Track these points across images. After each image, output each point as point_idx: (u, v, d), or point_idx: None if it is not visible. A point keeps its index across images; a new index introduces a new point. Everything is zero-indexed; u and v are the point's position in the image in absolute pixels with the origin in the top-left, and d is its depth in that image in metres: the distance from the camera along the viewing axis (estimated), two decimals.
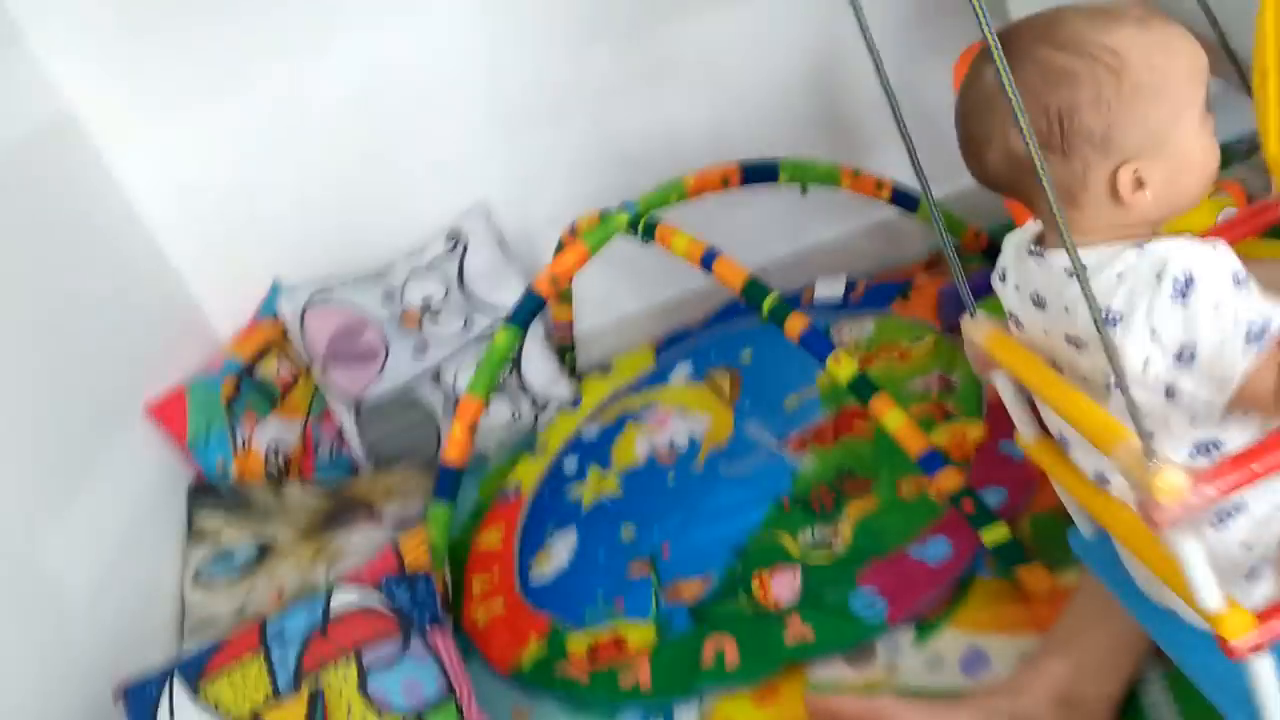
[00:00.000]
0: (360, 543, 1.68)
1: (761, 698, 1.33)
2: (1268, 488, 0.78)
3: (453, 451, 1.52)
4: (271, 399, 1.97)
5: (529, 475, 1.94)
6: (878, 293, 2.00)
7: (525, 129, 2.06)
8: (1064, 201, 0.81)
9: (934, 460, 1.32)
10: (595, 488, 1.82)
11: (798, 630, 1.37)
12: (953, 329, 1.77)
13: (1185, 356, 0.76)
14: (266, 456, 1.89)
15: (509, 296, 1.92)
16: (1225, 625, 0.66)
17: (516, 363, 2.05)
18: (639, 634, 1.48)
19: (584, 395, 2.09)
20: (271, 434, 1.93)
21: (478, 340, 2.02)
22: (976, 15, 0.66)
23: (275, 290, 2.08)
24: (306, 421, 2.02)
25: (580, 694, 1.44)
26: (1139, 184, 0.81)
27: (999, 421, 1.52)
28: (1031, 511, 1.39)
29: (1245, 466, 0.66)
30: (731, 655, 1.37)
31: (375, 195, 2.10)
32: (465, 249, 2.06)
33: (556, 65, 2.00)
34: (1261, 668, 0.68)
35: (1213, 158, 0.83)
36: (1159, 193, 0.81)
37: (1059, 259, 0.83)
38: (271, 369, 2.00)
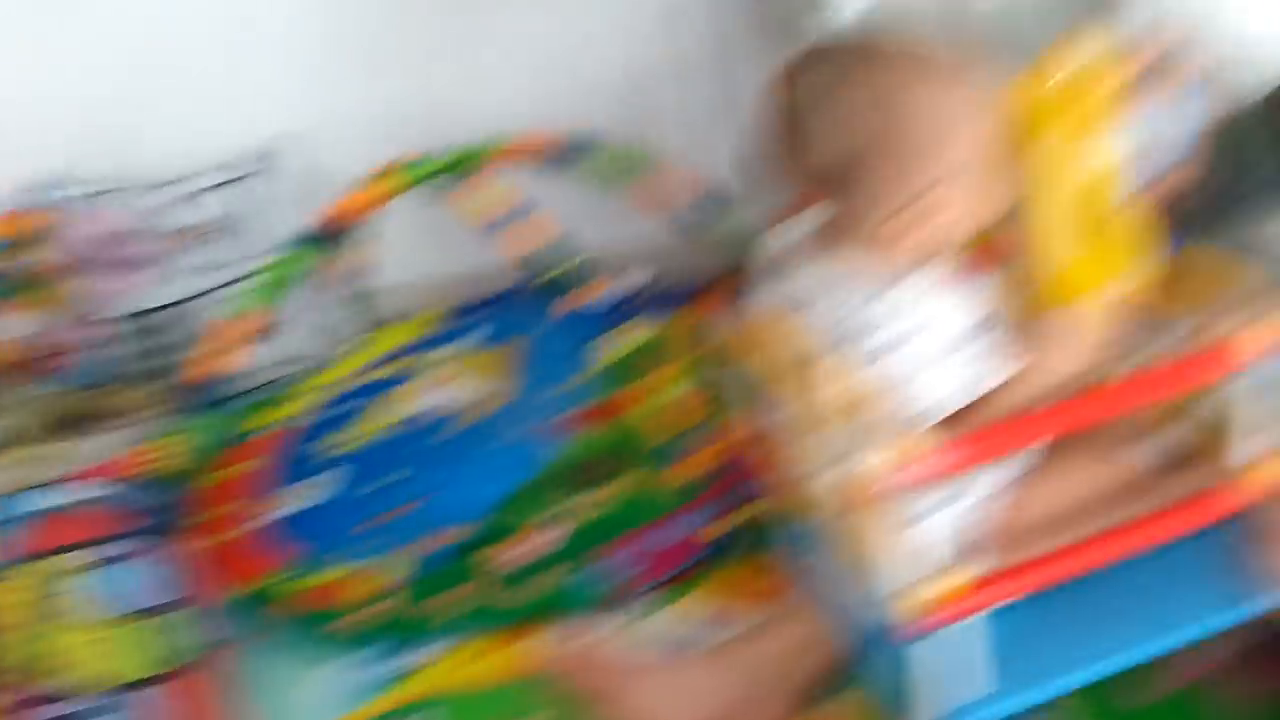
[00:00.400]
0: (99, 447, 1.59)
1: (497, 646, 1.35)
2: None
3: (220, 360, 1.47)
4: (21, 290, 1.85)
5: (292, 413, 1.89)
6: (665, 298, 2.08)
7: (342, 76, 2.02)
8: (856, 216, 0.88)
9: (699, 441, 1.39)
10: (363, 434, 1.79)
11: (544, 584, 1.40)
12: None
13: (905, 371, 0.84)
14: (5, 347, 1.77)
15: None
16: (902, 606, 0.73)
17: (298, 303, 2.00)
18: (387, 574, 1.47)
19: (367, 346, 2.06)
20: (16, 326, 1.81)
21: (254, 270, 1.97)
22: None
23: (51, 183, 1.95)
24: (57, 321, 1.90)
25: (314, 624, 1.42)
26: (927, 213, 0.88)
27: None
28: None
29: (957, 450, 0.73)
30: (474, 602, 1.39)
31: (172, 110, 2.01)
32: (260, 179, 2.00)
33: (384, 17, 1.99)
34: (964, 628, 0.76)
35: (988, 208, 0.90)
36: (937, 228, 0.88)
37: (836, 262, 0.88)
38: (29, 260, 1.87)
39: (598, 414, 1.75)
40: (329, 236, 1.62)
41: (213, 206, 1.96)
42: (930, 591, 0.75)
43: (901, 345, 0.84)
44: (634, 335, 1.40)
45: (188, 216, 1.95)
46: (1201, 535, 0.86)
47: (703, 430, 1.39)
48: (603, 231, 2.17)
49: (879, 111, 0.84)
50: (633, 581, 1.38)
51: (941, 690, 0.77)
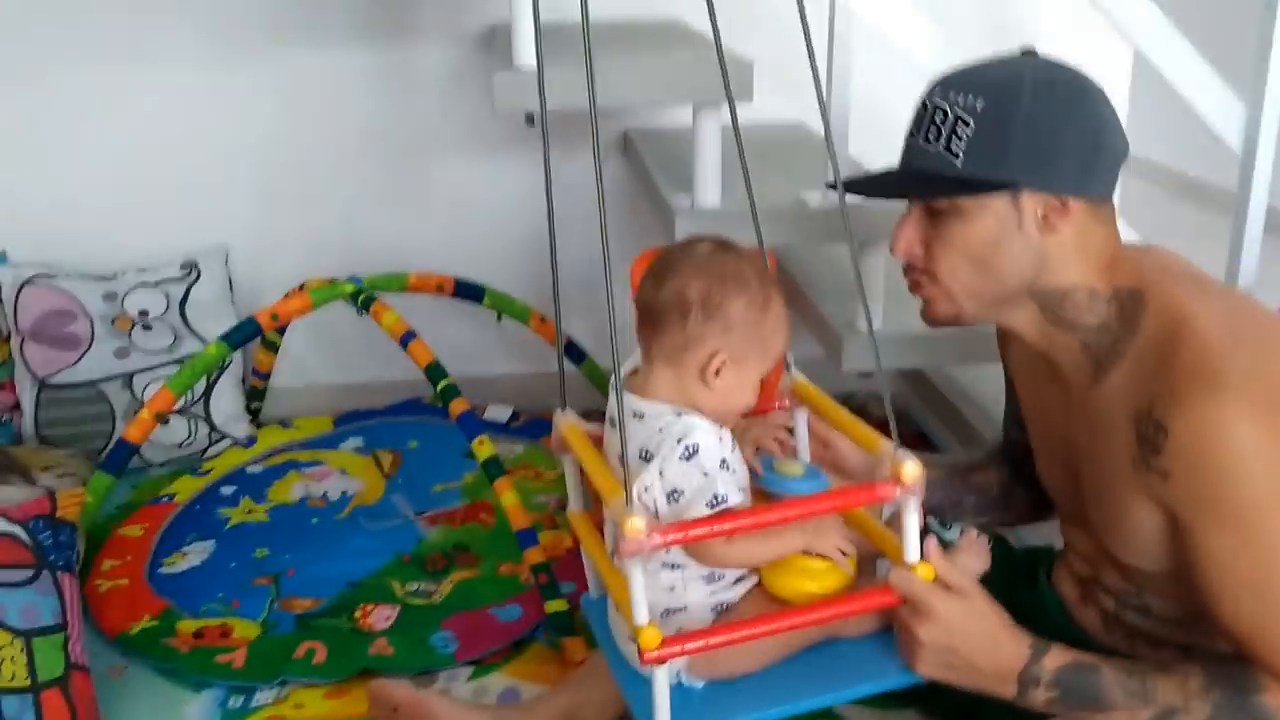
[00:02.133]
0: (12, 495, 1.80)
1: (333, 693, 1.58)
2: (702, 580, 1.10)
3: (134, 430, 1.71)
4: None
5: (185, 489, 2.12)
6: (535, 426, 2.38)
7: (280, 196, 2.36)
8: (674, 351, 1.08)
9: (529, 537, 1.66)
10: (244, 514, 2.04)
11: (381, 648, 1.64)
12: None
13: (674, 496, 1.04)
14: None
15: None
16: (643, 636, 0.97)
17: (207, 393, 2.26)
18: (245, 628, 1.70)
19: (260, 440, 2.31)
20: None
21: (179, 362, 2.22)
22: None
23: (1, 258, 2.21)
24: None
25: (177, 662, 1.63)
26: (716, 373, 1.09)
27: None
28: None
29: (680, 533, 0.98)
30: (320, 655, 1.62)
31: (124, 214, 2.32)
32: (196, 279, 2.28)
33: (325, 156, 2.33)
34: (659, 673, 1.00)
35: (751, 404, 1.13)
36: (719, 391, 1.09)
37: (635, 401, 1.13)
38: None
39: (452, 517, 2.03)
40: (247, 339, 1.89)
41: (149, 299, 2.24)
42: (659, 636, 1.00)
43: (674, 462, 1.08)
44: (497, 454, 1.66)
45: (132, 305, 2.22)
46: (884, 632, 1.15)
47: (533, 537, 1.65)
48: (483, 362, 2.49)
49: (719, 283, 1.11)
50: (454, 655, 1.63)
51: (665, 713, 1.03)
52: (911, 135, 1.12)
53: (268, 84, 2.28)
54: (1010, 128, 1.05)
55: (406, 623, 1.71)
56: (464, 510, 2.04)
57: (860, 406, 1.11)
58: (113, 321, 2.21)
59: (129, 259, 2.30)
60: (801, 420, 1.24)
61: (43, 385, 2.16)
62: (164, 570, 1.87)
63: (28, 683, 1.46)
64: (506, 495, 1.68)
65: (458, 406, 1.75)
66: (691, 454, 1.03)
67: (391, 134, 2.33)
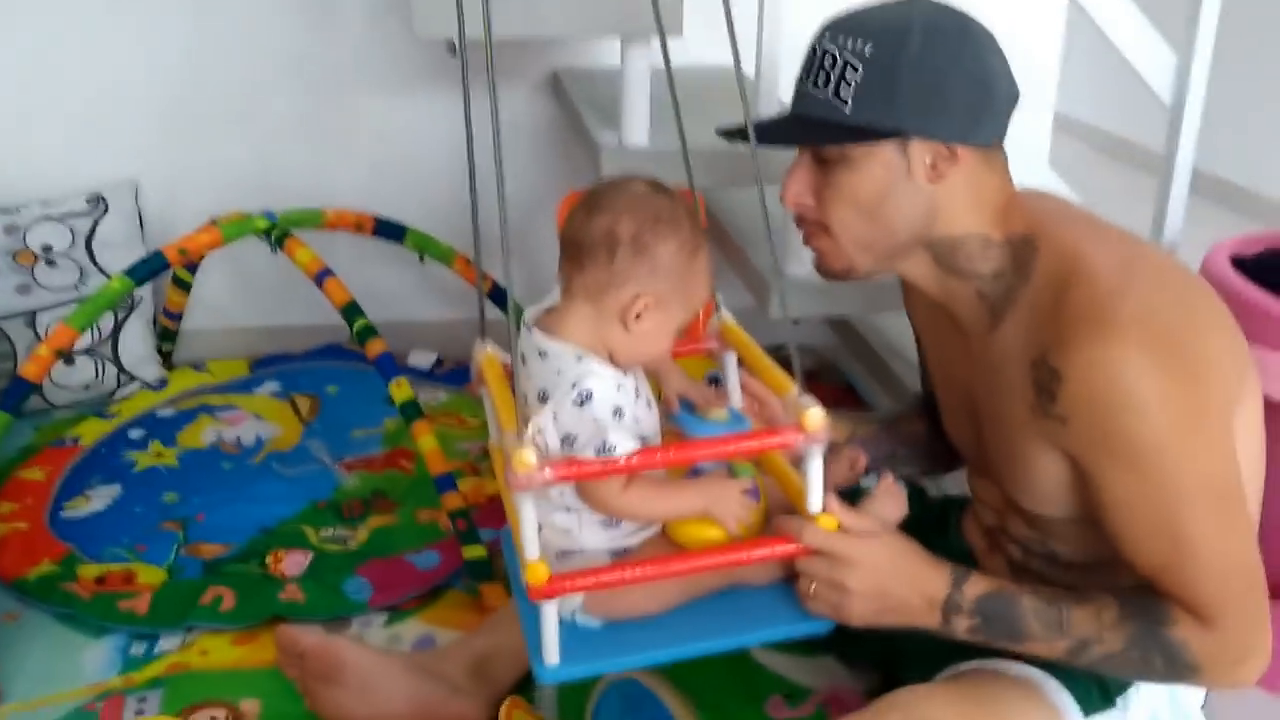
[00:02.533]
0: None
1: (241, 640, 1.53)
2: (599, 525, 1.07)
3: (32, 367, 1.62)
4: None
5: (91, 432, 2.04)
6: (459, 373, 2.33)
7: (192, 128, 2.25)
8: (595, 289, 1.04)
9: (447, 482, 1.62)
10: (153, 458, 1.96)
11: (292, 594, 1.59)
12: None
13: (567, 441, 1.01)
14: None
15: None
16: (530, 571, 0.97)
17: (115, 333, 2.17)
18: (150, 574, 1.64)
19: (171, 383, 2.23)
20: None
21: (83, 299, 2.12)
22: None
23: None
24: None
25: (78, 608, 1.56)
26: (637, 317, 1.05)
27: None
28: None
29: (569, 470, 0.97)
30: (228, 602, 1.57)
31: (32, 142, 2.20)
32: (103, 214, 2.18)
33: (241, 84, 2.23)
34: (546, 608, 1.00)
35: (665, 352, 1.10)
36: (635, 335, 1.05)
37: (542, 339, 1.10)
38: None
39: (371, 463, 1.98)
40: (152, 273, 1.81)
41: (53, 234, 2.14)
42: (546, 571, 0.98)
43: (567, 407, 1.06)
44: (416, 397, 1.61)
45: (34, 239, 2.11)
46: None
47: (451, 482, 1.61)
48: (405, 307, 2.43)
49: (650, 223, 1.07)
50: (367, 601, 1.59)
51: (552, 648, 1.01)
52: (801, 80, 1.10)
53: (179, 6, 2.16)
54: (898, 74, 1.03)
55: (320, 569, 1.66)
56: (384, 457, 1.99)
57: (787, 359, 1.08)
58: (14, 256, 2.10)
59: (31, 192, 2.19)
60: (731, 363, 1.21)
61: None
62: (66, 514, 1.79)
63: None
64: (424, 439, 1.64)
65: (375, 348, 1.69)
66: (584, 400, 1.01)
67: (310, 63, 2.23)
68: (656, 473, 1.07)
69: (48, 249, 2.13)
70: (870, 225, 1.09)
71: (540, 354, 1.06)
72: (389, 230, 2.10)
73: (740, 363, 1.20)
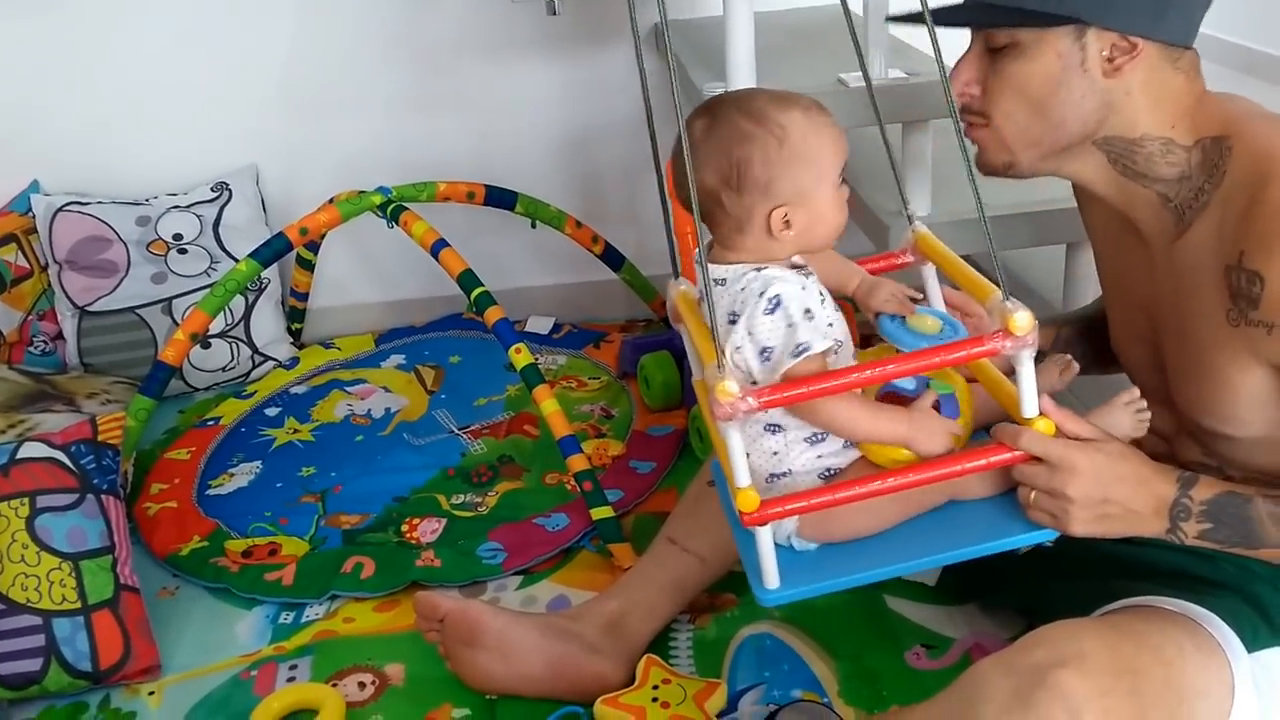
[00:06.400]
0: (57, 421, 1.81)
1: (382, 606, 1.57)
2: (806, 444, 1.05)
3: (170, 352, 1.69)
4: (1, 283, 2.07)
5: (230, 412, 2.12)
6: (577, 337, 2.34)
7: (306, 112, 2.29)
8: (735, 228, 1.04)
9: (571, 444, 1.63)
10: (289, 434, 2.03)
11: (428, 560, 1.63)
12: (625, 375, 2.13)
13: (764, 354, 1.00)
14: None
15: None
16: (740, 498, 0.96)
17: (247, 316, 2.24)
18: (293, 545, 1.70)
19: (302, 361, 2.29)
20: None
21: (211, 283, 2.19)
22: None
23: (34, 187, 2.19)
24: (29, 315, 2.12)
25: (228, 580, 1.63)
26: (786, 224, 1.04)
27: (636, 447, 1.89)
28: (638, 512, 1.73)
29: (773, 395, 0.95)
30: (368, 570, 1.61)
31: (153, 137, 2.28)
32: (228, 201, 2.25)
33: (348, 66, 2.26)
34: (762, 534, 0.99)
35: (840, 217, 1.08)
36: (798, 234, 1.05)
37: (715, 268, 1.10)
38: (9, 256, 2.10)
39: (496, 429, 2.00)
40: (276, 254, 1.86)
41: (182, 223, 2.21)
42: (757, 498, 0.97)
43: (759, 318, 1.04)
44: (535, 362, 1.62)
45: (166, 229, 2.19)
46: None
47: (575, 444, 1.62)
48: (521, 275, 2.44)
49: (727, 157, 1.05)
50: (501, 565, 1.61)
51: (771, 571, 1.00)
52: None
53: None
54: None
55: (453, 535, 1.69)
56: (508, 423, 2.01)
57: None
58: (147, 247, 2.18)
59: (160, 183, 2.27)
60: (930, 275, 1.16)
61: (83, 313, 2.15)
62: (212, 492, 1.87)
63: (78, 605, 1.46)
64: (546, 403, 1.65)
65: (493, 315, 1.71)
66: (775, 306, 1.00)
67: (413, 38, 2.25)
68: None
69: (178, 237, 2.21)
70: (1036, 118, 1.05)
71: (719, 282, 1.05)
72: (500, 198, 2.11)
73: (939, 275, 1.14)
